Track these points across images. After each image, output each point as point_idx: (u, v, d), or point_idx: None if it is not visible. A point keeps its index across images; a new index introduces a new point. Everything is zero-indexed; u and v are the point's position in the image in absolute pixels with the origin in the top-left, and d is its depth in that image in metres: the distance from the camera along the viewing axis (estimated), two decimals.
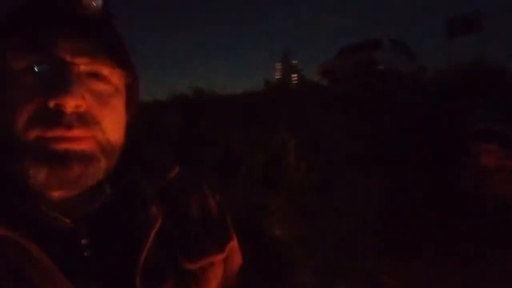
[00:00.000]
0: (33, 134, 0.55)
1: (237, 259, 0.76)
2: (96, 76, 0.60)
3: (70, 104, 0.55)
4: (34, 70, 0.57)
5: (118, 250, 0.58)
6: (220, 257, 0.69)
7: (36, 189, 0.57)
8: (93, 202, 0.61)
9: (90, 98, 0.58)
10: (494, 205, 1.07)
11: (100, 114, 0.59)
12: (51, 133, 0.55)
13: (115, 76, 0.62)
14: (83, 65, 0.58)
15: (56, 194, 0.59)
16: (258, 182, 2.85)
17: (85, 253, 0.57)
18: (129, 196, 0.63)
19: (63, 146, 0.55)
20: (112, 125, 0.61)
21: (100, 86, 0.60)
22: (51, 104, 0.55)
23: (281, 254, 2.76)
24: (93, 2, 0.60)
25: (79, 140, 0.56)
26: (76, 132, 0.56)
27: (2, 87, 0.58)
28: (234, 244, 0.74)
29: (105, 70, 0.60)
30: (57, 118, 0.55)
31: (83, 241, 0.58)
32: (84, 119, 0.57)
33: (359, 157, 3.91)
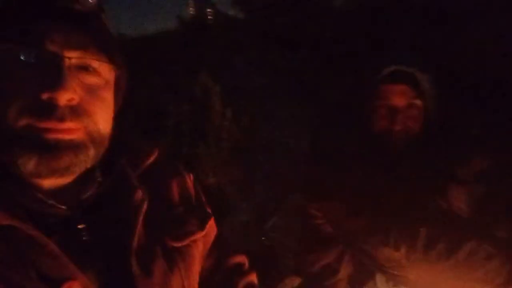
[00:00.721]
0: (23, 122, 0.56)
1: (213, 232, 0.84)
2: (86, 69, 0.62)
3: (63, 97, 0.57)
4: (27, 61, 0.58)
5: (112, 234, 0.63)
6: (201, 234, 0.76)
7: (28, 178, 0.59)
8: (86, 189, 0.64)
9: (82, 91, 0.60)
10: (403, 138, 1.20)
11: (91, 106, 0.61)
12: (43, 124, 0.57)
13: (104, 69, 0.64)
14: (75, 58, 0.60)
15: (47, 182, 0.61)
16: (186, 132, 2.82)
17: (84, 238, 0.61)
18: (117, 181, 0.67)
19: (54, 136, 0.57)
20: (102, 117, 0.63)
21: (90, 79, 0.62)
22: (44, 96, 0.56)
23: (217, 200, 2.85)
24: (89, 0, 0.62)
25: (70, 132, 0.59)
26: (68, 124, 0.58)
27: None
28: (211, 221, 0.81)
29: (95, 63, 0.62)
30: (50, 110, 0.57)
31: (80, 226, 0.62)
32: (76, 112, 0.59)
33: (283, 96, 4.00)
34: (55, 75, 0.57)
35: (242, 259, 0.88)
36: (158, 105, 3.33)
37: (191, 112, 2.93)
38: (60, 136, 0.58)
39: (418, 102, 1.23)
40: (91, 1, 0.63)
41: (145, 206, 0.67)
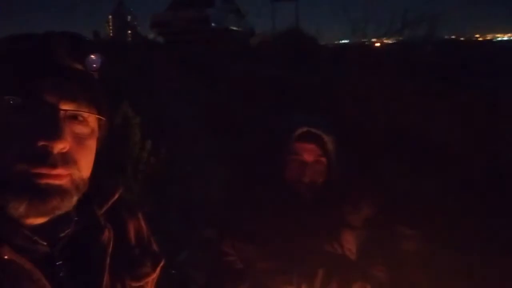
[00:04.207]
0: (19, 167, 0.62)
1: (159, 274, 0.89)
2: (77, 118, 0.68)
3: (58, 146, 0.63)
4: (25, 111, 0.63)
5: (84, 271, 0.69)
6: (154, 276, 0.83)
7: (16, 217, 0.64)
8: (64, 228, 0.70)
9: (72, 140, 0.66)
10: (310, 189, 1.43)
11: (77, 154, 0.67)
12: (37, 170, 0.62)
13: (92, 119, 0.70)
14: (68, 109, 0.66)
15: (32, 221, 0.66)
16: (103, 164, 2.77)
17: (60, 274, 0.67)
18: (89, 221, 0.73)
19: (44, 181, 0.63)
20: (86, 164, 0.69)
21: (79, 129, 0.68)
22: (41, 144, 0.62)
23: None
24: (93, 65, 0.69)
25: (59, 178, 0.64)
26: (58, 171, 0.64)
27: None
28: (162, 263, 0.87)
29: (85, 114, 0.69)
30: (44, 157, 0.62)
31: (58, 263, 0.67)
32: (65, 159, 0.65)
33: (204, 128, 4.10)
34: (51, 126, 0.63)
35: None
36: None
37: (109, 142, 2.88)
38: (51, 181, 0.63)
39: (323, 159, 1.44)
40: (95, 66, 0.69)
41: (110, 246, 0.73)
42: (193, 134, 3.97)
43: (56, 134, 0.63)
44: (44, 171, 0.62)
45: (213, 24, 12.11)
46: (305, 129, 1.42)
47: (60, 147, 0.63)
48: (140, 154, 3.10)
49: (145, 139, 3.20)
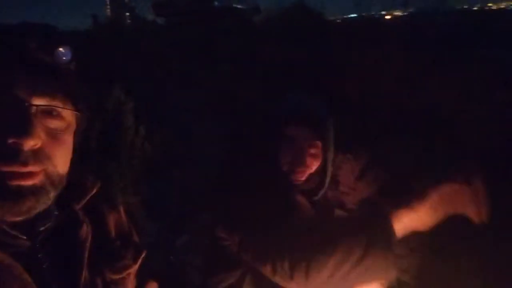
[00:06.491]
0: None
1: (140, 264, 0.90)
2: (51, 113, 0.66)
3: (29, 144, 0.61)
4: None
5: (64, 265, 0.70)
6: (135, 267, 0.83)
7: None
8: (44, 222, 0.69)
9: (45, 135, 0.64)
10: (304, 174, 1.39)
11: (52, 150, 0.65)
12: (7, 168, 0.60)
13: (68, 113, 0.68)
14: (41, 104, 0.64)
15: (10, 219, 0.64)
16: (95, 150, 2.68)
17: (43, 266, 0.67)
18: (68, 216, 0.73)
19: (16, 182, 0.61)
20: (62, 159, 0.67)
21: (54, 123, 0.66)
22: (10, 141, 0.60)
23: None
24: (63, 58, 0.66)
25: (31, 175, 0.63)
26: (30, 168, 0.62)
27: None
28: (143, 254, 0.87)
29: (60, 108, 0.67)
30: (14, 154, 0.60)
31: (40, 256, 0.68)
32: (38, 156, 0.63)
33: (200, 111, 3.99)
34: (21, 122, 0.61)
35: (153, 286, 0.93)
36: None
37: (101, 128, 2.79)
38: (23, 182, 0.61)
39: (318, 142, 1.39)
40: (65, 59, 0.67)
41: (89, 240, 0.73)
42: (192, 118, 3.84)
43: (26, 130, 0.61)
44: (15, 168, 0.61)
45: (216, 3, 11.89)
46: (299, 112, 1.39)
47: (31, 144, 0.61)
48: (134, 140, 2.99)
49: (139, 124, 3.09)
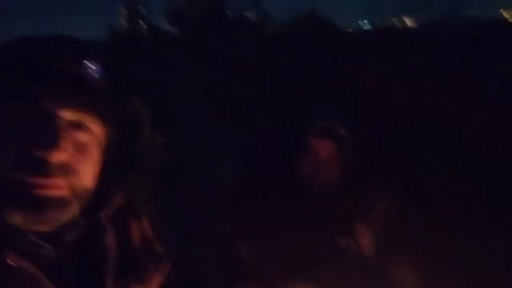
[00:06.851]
0: (15, 177, 0.61)
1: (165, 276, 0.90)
2: (79, 126, 0.66)
3: (56, 156, 0.62)
4: (23, 118, 0.62)
5: (89, 276, 0.70)
6: (158, 278, 0.82)
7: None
8: (70, 233, 0.69)
9: (72, 149, 0.65)
10: (326, 185, 1.40)
11: (79, 163, 0.66)
12: (33, 180, 0.61)
13: (95, 127, 0.69)
14: (69, 116, 0.64)
15: (35, 228, 0.64)
16: (113, 162, 2.71)
17: (68, 276, 0.67)
18: (94, 226, 0.73)
19: (41, 192, 0.61)
20: (88, 173, 0.68)
21: (82, 137, 0.67)
22: (38, 153, 0.61)
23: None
24: (94, 74, 0.67)
25: (57, 188, 0.63)
26: (56, 181, 0.62)
27: None
28: (167, 266, 0.86)
29: (88, 122, 0.67)
30: (41, 166, 0.61)
31: (64, 266, 0.68)
32: (64, 169, 0.63)
33: (216, 121, 4.03)
34: (49, 134, 0.62)
35: None
36: None
37: (118, 138, 2.82)
38: (48, 192, 0.62)
39: (339, 155, 1.43)
40: (94, 72, 0.67)
41: (115, 250, 0.73)
42: (207, 127, 3.88)
43: (53, 143, 0.61)
44: (40, 181, 0.61)
45: (228, 12, 11.98)
46: (320, 124, 1.41)
47: (57, 156, 0.62)
48: (152, 149, 3.02)
49: (156, 134, 3.13)
